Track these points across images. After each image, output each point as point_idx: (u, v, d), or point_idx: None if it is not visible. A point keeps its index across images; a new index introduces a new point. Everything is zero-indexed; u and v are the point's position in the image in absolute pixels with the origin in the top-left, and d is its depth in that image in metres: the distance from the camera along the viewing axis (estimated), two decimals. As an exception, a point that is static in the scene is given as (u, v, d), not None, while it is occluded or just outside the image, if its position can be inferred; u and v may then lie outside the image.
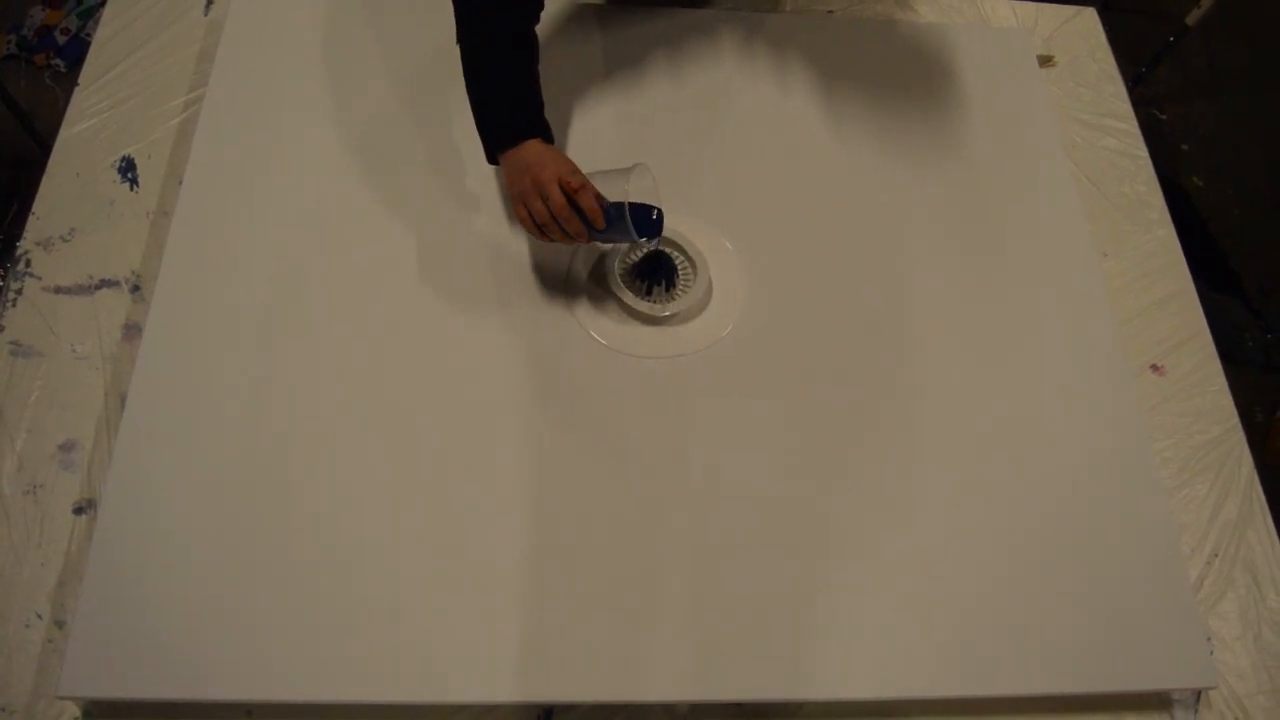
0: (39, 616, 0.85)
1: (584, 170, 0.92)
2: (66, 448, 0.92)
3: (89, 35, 2.18)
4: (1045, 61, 1.29)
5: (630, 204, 0.90)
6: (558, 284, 1.02)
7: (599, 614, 0.86)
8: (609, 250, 1.03)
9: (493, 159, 0.98)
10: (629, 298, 0.99)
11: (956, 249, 1.10)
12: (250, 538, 0.86)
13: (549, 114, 0.97)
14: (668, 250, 1.04)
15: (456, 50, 0.97)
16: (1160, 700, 0.90)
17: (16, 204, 1.99)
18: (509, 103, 0.96)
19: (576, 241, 0.94)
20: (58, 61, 2.22)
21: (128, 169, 1.08)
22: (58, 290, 1.00)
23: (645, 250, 1.02)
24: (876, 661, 0.86)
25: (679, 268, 1.04)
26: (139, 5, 1.21)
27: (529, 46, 0.98)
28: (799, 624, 0.87)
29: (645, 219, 0.94)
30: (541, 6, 1.01)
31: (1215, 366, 1.08)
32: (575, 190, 0.90)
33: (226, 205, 1.03)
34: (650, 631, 0.85)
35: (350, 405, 0.94)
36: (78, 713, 0.82)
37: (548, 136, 0.96)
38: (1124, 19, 2.42)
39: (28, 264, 1.01)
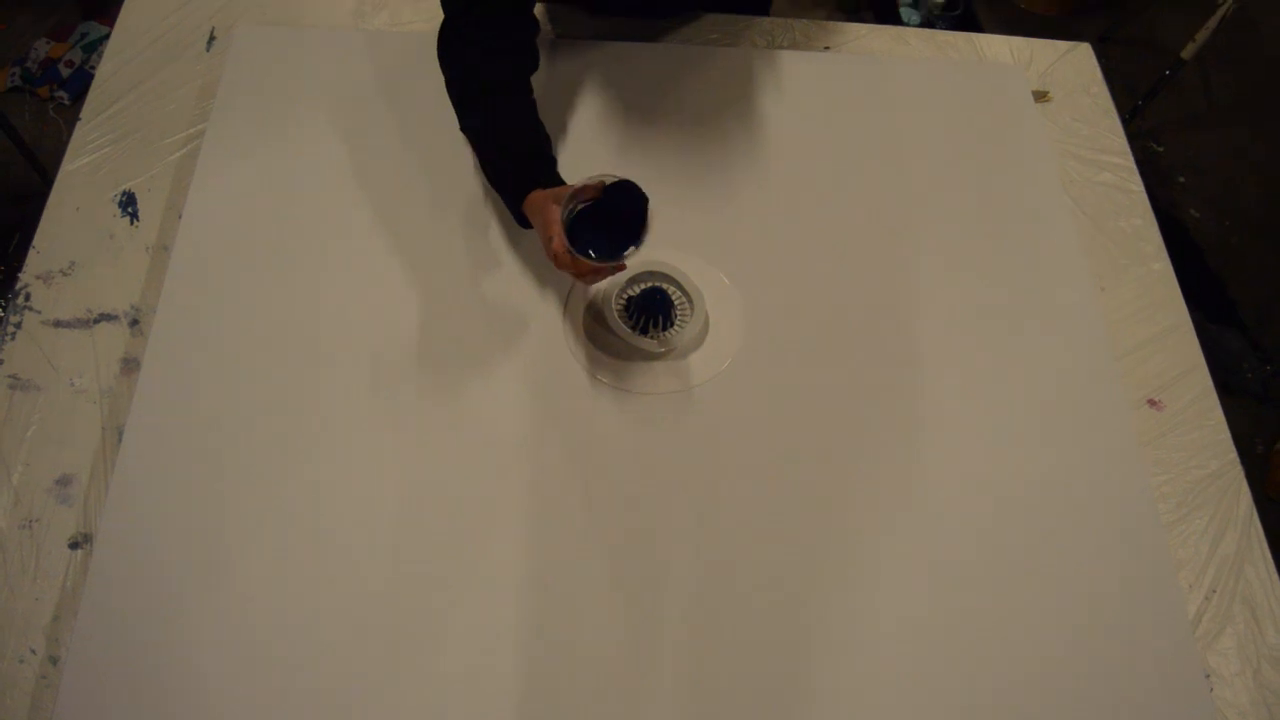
0: (33, 652, 0.84)
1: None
2: (63, 482, 0.92)
3: (93, 68, 2.20)
4: (1040, 97, 1.30)
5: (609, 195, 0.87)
6: (555, 321, 1.03)
7: (596, 658, 0.86)
8: (606, 283, 1.03)
9: (520, 222, 0.99)
10: (626, 334, 1.00)
11: (953, 284, 1.10)
12: (246, 574, 0.86)
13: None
14: (665, 286, 1.04)
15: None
16: (1160, 738, 0.89)
17: (19, 236, 2.01)
18: (505, 169, 0.98)
19: (613, 273, 0.91)
20: (61, 94, 2.24)
21: (128, 203, 1.09)
22: (57, 324, 1.01)
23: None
24: (870, 691, 0.85)
25: (676, 303, 1.04)
26: (141, 41, 1.22)
27: (522, 110, 0.99)
28: (793, 684, 0.87)
29: (632, 223, 0.88)
30: (533, 64, 1.02)
31: (1213, 400, 1.08)
32: (555, 257, 0.89)
33: (225, 240, 1.04)
34: (649, 667, 0.85)
35: (348, 443, 0.94)
36: (70, 750, 0.81)
37: (545, 179, 0.95)
38: (1121, 52, 2.44)
39: (27, 298, 1.02)
